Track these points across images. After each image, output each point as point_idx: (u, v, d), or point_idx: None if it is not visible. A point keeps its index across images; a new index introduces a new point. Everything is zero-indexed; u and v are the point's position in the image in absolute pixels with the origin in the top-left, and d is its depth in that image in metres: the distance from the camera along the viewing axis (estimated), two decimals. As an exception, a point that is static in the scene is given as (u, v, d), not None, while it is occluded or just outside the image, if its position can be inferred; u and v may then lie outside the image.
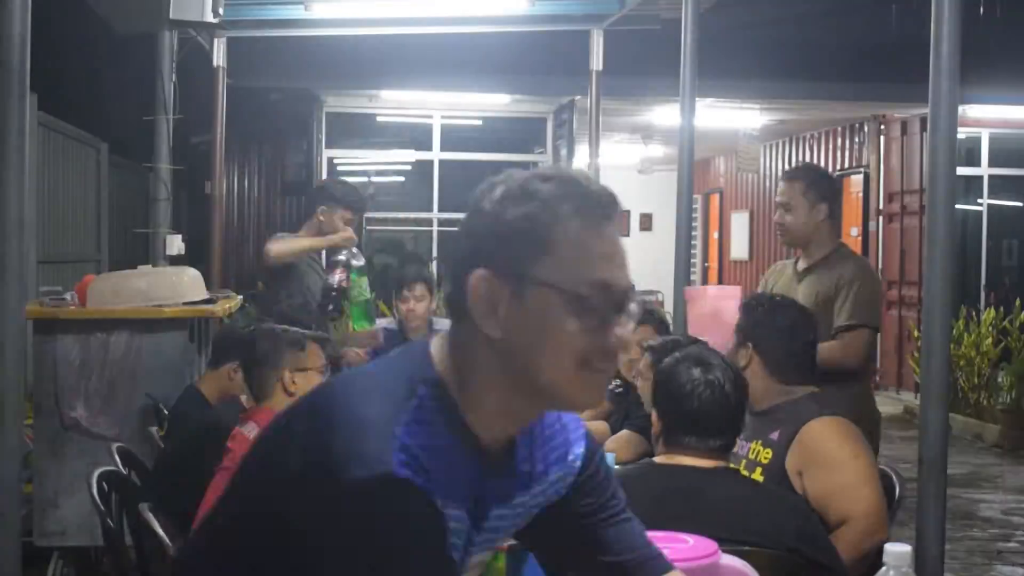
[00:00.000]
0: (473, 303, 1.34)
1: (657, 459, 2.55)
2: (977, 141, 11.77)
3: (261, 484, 1.40)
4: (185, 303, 5.02)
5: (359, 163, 12.03)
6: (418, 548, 1.27)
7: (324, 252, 5.50)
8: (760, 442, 3.03)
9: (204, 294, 5.27)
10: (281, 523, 1.33)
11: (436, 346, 1.41)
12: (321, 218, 5.15)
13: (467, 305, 1.35)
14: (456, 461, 1.34)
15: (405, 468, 1.27)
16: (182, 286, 5.13)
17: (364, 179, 12.14)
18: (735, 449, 3.02)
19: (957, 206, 3.14)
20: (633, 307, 1.41)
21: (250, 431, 3.32)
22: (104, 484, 3.17)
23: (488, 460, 1.40)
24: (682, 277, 5.77)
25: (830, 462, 2.93)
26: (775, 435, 3.00)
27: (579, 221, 1.35)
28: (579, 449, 1.56)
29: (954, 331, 3.66)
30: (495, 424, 1.40)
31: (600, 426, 4.22)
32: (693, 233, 7.35)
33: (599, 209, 1.38)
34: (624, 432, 3.86)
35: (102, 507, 3.04)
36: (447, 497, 1.31)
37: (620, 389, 4.38)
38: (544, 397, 1.38)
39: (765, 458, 3.00)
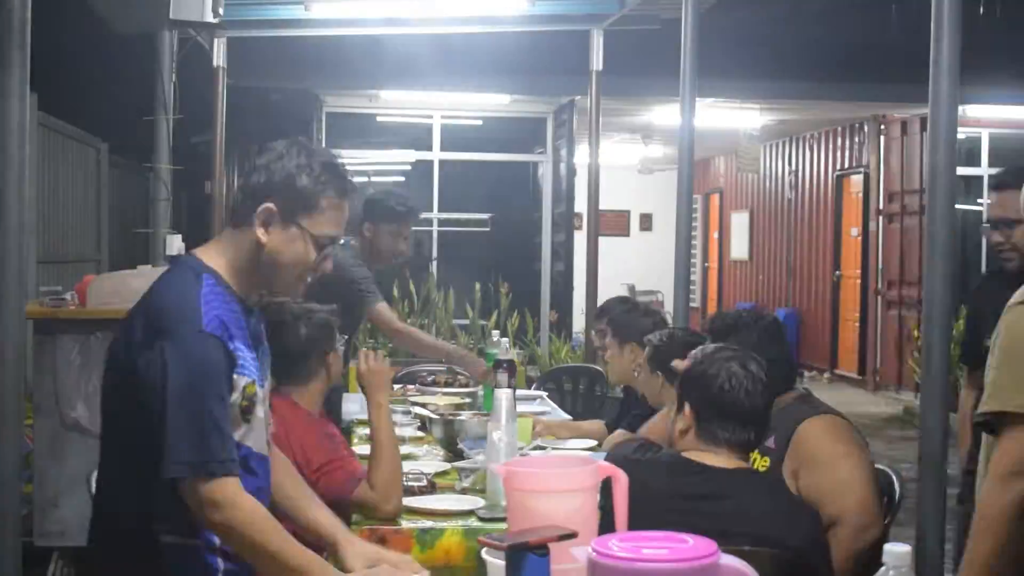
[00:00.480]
0: (258, 220, 2.23)
1: (686, 454, 2.57)
2: (977, 141, 11.76)
3: (123, 360, 2.19)
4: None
5: (359, 163, 12.03)
6: (219, 370, 2.15)
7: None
8: (757, 452, 3.03)
9: None
10: (133, 379, 2.13)
11: (202, 254, 2.28)
12: (367, 235, 4.86)
13: (252, 220, 2.23)
14: (236, 316, 2.22)
15: (210, 326, 2.14)
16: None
17: (364, 179, 12.13)
18: None
19: (957, 206, 3.14)
20: (329, 250, 2.31)
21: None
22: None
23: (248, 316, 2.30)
24: (682, 277, 5.77)
25: (823, 460, 2.94)
26: (770, 442, 3.01)
27: (335, 197, 2.27)
28: None
29: (954, 331, 3.58)
30: (244, 288, 2.28)
31: (596, 425, 4.23)
32: (693, 233, 7.35)
33: (346, 192, 2.29)
34: (618, 432, 3.88)
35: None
36: (235, 334, 2.19)
37: (622, 395, 4.39)
38: (266, 282, 2.31)
39: (763, 466, 3.01)
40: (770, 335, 3.22)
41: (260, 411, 2.28)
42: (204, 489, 2.08)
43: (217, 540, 2.19)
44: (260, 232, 2.22)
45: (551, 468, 2.29)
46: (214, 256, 2.26)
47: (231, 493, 2.10)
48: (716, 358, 2.62)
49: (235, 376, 2.18)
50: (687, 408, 2.61)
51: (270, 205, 2.22)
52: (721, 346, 2.75)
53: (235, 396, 2.19)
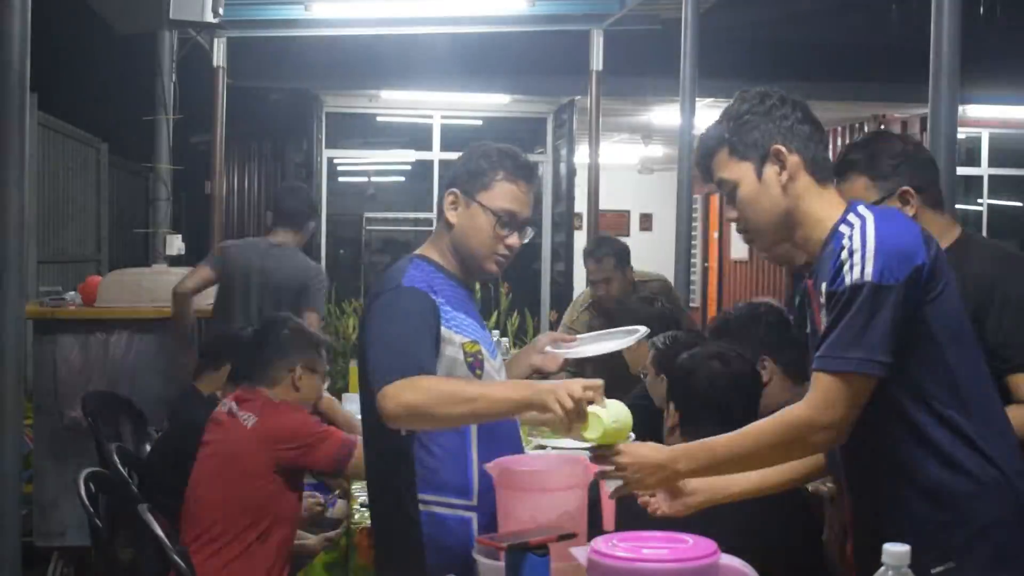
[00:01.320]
0: (447, 205, 2.55)
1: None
2: (977, 141, 11.75)
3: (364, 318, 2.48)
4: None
5: (359, 163, 12.02)
6: (419, 309, 2.39)
7: None
8: None
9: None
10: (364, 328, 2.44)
11: (420, 248, 2.61)
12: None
13: (444, 207, 2.55)
14: (446, 283, 2.51)
15: (409, 282, 2.43)
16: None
17: (364, 179, 12.13)
18: None
19: (957, 206, 3.14)
20: (528, 231, 2.57)
21: (246, 419, 3.28)
22: (91, 485, 3.19)
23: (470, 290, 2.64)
24: (682, 277, 5.78)
25: None
26: None
27: (507, 174, 2.52)
28: None
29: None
30: (459, 271, 2.57)
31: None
32: (693, 233, 7.35)
33: (520, 172, 2.54)
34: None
35: (91, 508, 3.05)
36: (447, 300, 2.46)
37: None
38: (466, 262, 2.56)
39: None
40: (776, 328, 3.23)
41: (493, 372, 2.51)
42: (393, 387, 2.22)
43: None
44: (450, 214, 2.53)
45: (542, 467, 2.29)
46: (428, 247, 2.60)
47: (411, 381, 2.24)
48: (699, 356, 2.64)
49: (446, 330, 2.42)
50: (672, 406, 2.62)
51: (455, 190, 2.53)
52: (709, 344, 2.75)
53: (452, 350, 2.43)
